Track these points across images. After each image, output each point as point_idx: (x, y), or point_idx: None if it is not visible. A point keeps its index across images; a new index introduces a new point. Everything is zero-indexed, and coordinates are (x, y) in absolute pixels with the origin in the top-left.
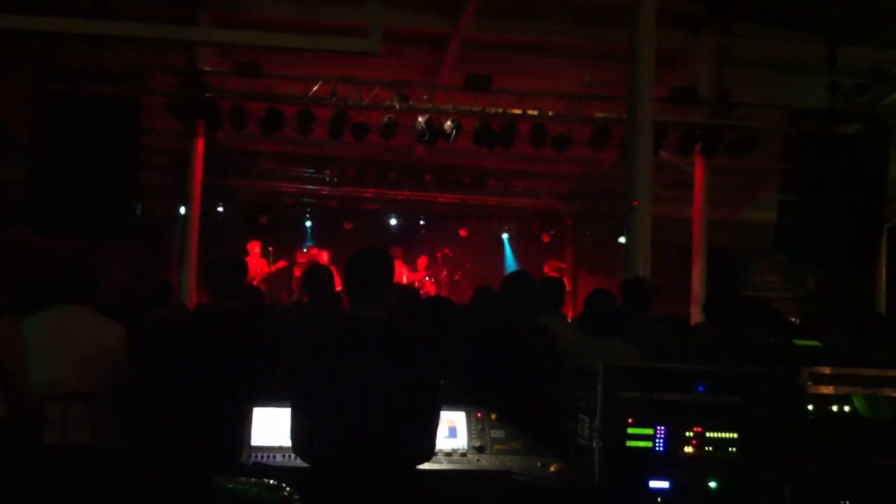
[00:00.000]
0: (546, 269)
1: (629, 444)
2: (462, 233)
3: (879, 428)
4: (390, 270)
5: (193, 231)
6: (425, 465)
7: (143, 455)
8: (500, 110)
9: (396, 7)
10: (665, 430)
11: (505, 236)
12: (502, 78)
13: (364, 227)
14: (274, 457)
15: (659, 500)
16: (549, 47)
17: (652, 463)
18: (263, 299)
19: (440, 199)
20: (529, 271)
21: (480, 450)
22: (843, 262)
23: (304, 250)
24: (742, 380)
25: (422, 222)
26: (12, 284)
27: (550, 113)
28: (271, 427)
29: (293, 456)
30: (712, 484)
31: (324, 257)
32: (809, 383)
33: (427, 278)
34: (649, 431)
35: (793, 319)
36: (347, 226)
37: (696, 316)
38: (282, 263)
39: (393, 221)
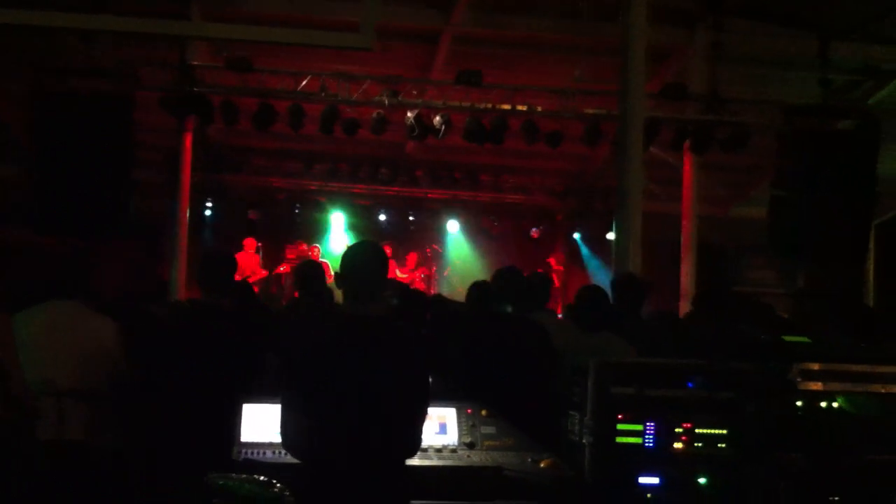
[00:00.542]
0: (553, 264)
1: (619, 439)
2: (453, 229)
3: (869, 424)
4: (385, 266)
5: (183, 227)
6: (415, 462)
7: (139, 452)
8: (491, 106)
9: (388, 2)
10: (655, 425)
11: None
12: (494, 74)
13: (356, 223)
14: (264, 453)
15: (649, 495)
16: (542, 43)
17: (642, 459)
18: (255, 295)
19: (430, 195)
20: (520, 267)
21: (471, 446)
22: (835, 258)
23: (294, 246)
24: (733, 376)
25: (412, 218)
26: (7, 283)
27: (540, 108)
28: (261, 423)
29: (284, 452)
30: (702, 480)
31: (315, 252)
32: (799, 379)
33: (419, 275)
34: (639, 427)
35: (785, 316)
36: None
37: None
38: (283, 268)
39: (383, 217)
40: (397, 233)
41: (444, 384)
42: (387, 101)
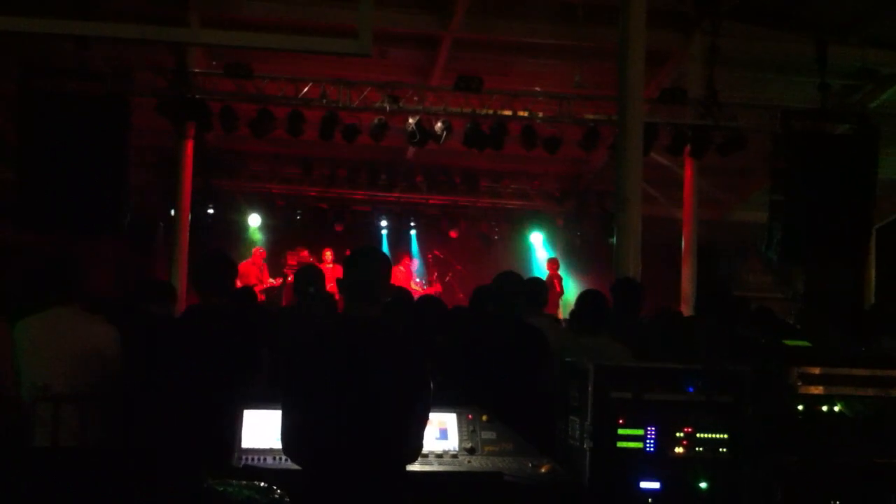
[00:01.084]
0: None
1: (620, 444)
2: (453, 234)
3: (868, 427)
4: (387, 270)
5: (184, 232)
6: (416, 467)
7: (136, 456)
8: (491, 111)
9: (387, 8)
10: (656, 430)
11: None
12: (493, 79)
13: (355, 229)
14: (265, 459)
15: (650, 500)
16: (540, 48)
17: (643, 463)
18: (255, 299)
19: (431, 201)
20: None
21: (471, 451)
22: (833, 261)
23: (295, 252)
24: (733, 380)
25: (412, 223)
26: (6, 283)
27: (541, 114)
28: (262, 429)
29: (284, 458)
30: (703, 484)
31: (327, 256)
32: (799, 383)
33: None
34: (640, 432)
35: (790, 322)
36: (338, 227)
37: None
38: (281, 279)
39: (384, 223)
40: (397, 238)
41: (444, 389)
42: (388, 108)
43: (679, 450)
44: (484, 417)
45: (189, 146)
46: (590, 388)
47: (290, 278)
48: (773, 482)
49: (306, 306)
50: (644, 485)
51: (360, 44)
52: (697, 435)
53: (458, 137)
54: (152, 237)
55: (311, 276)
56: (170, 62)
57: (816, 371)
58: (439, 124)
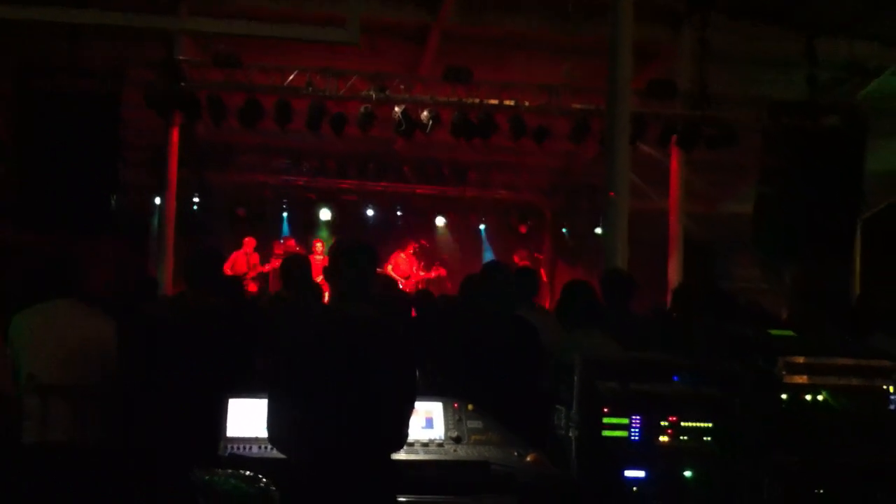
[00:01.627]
0: (516, 259)
1: (605, 433)
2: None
3: (854, 417)
4: (375, 263)
5: (170, 225)
6: (402, 456)
7: (127, 449)
8: (478, 101)
9: None
10: (641, 419)
11: (482, 227)
12: (482, 71)
13: (342, 219)
14: (250, 448)
15: (635, 489)
16: (529, 40)
17: (628, 452)
18: (243, 291)
19: (418, 191)
20: (506, 263)
21: (458, 440)
22: (821, 255)
23: (282, 241)
24: (718, 370)
25: (399, 213)
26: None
27: (527, 103)
28: (247, 418)
29: (269, 447)
30: (688, 473)
31: (318, 247)
32: (784, 373)
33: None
34: (625, 421)
35: (783, 315)
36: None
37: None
38: (270, 266)
39: (371, 213)
40: (385, 228)
41: (431, 379)
42: (374, 97)
43: (664, 438)
44: (470, 407)
45: (174, 136)
46: (576, 378)
47: (265, 265)
48: (761, 473)
49: (293, 298)
50: (629, 473)
51: (349, 33)
52: (682, 424)
53: (446, 128)
54: (148, 235)
55: (296, 263)
56: (160, 57)
57: (801, 360)
58: (425, 113)
